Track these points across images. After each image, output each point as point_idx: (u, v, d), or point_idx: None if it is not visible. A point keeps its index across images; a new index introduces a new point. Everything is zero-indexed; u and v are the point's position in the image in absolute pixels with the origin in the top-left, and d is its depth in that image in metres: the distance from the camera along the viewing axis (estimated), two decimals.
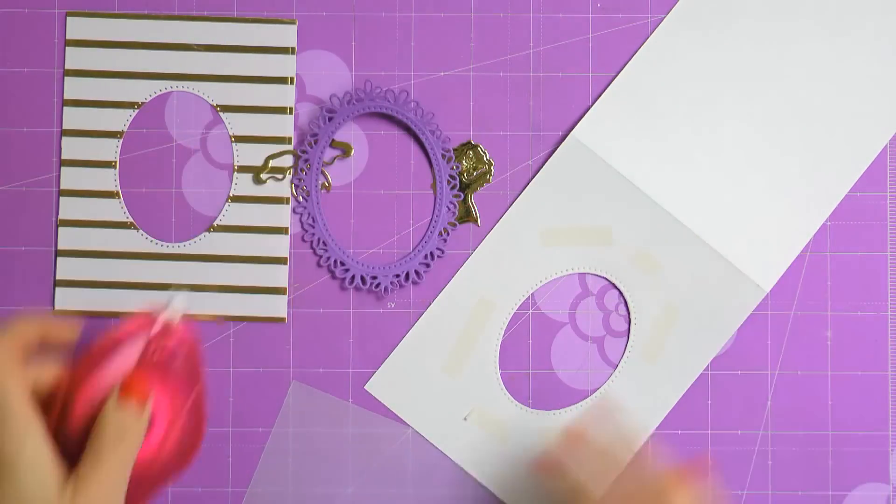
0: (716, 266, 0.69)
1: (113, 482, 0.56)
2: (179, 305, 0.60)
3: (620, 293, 0.70)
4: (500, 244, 0.70)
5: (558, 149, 0.70)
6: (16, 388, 0.55)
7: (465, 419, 0.69)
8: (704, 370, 0.70)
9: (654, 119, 0.70)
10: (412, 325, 0.70)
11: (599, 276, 0.70)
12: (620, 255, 0.70)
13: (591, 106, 0.70)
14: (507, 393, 0.69)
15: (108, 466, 0.55)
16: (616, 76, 0.70)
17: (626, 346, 0.70)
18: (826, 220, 0.70)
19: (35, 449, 0.54)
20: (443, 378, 0.69)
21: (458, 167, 0.70)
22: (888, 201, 0.70)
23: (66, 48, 0.70)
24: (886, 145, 0.70)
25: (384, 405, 0.70)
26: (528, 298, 0.70)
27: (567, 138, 0.70)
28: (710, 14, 0.70)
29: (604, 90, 0.70)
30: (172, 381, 0.59)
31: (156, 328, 0.59)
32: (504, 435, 0.69)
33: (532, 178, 0.70)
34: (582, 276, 0.70)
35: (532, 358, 0.70)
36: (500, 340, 0.70)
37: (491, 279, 0.70)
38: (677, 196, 0.69)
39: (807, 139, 0.69)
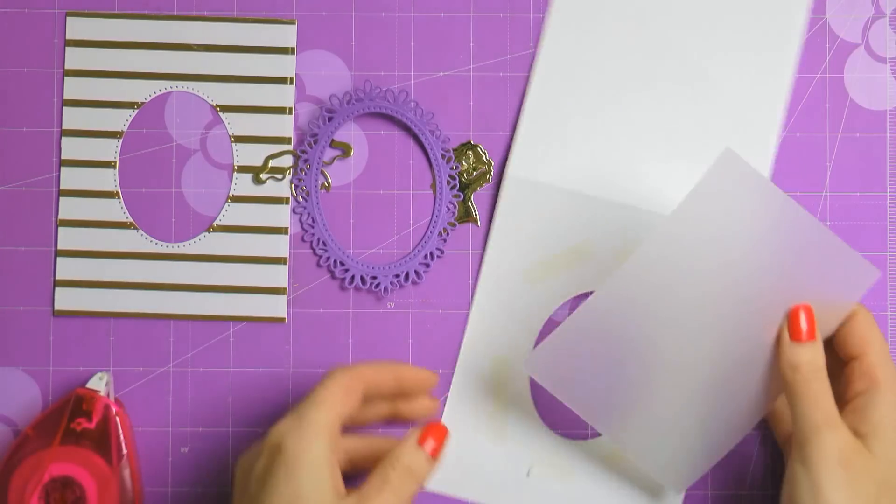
0: None
1: None
2: (99, 383, 0.67)
3: None
4: (491, 298, 0.69)
5: (500, 191, 0.69)
6: (327, 414, 0.60)
7: (528, 475, 0.69)
8: None
9: (577, 123, 0.69)
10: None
11: (586, 295, 0.69)
12: (605, 265, 0.69)
13: (512, 139, 0.70)
14: (556, 434, 0.69)
15: (393, 496, 0.60)
16: (524, 97, 0.70)
17: None
18: (826, 220, 0.70)
19: (320, 452, 0.59)
20: (491, 447, 0.69)
21: (457, 167, 0.70)
22: (888, 201, 0.70)
23: (66, 48, 0.70)
24: (887, 145, 0.70)
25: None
26: (537, 337, 0.69)
27: (504, 180, 0.69)
28: (588, 13, 0.70)
29: (516, 120, 0.70)
30: (99, 452, 0.66)
31: (72, 402, 0.66)
32: (571, 472, 0.69)
33: (490, 228, 0.69)
34: (576, 299, 0.69)
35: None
36: (529, 383, 0.69)
37: (496, 335, 0.69)
38: (632, 187, 0.69)
39: (720, 95, 0.69)
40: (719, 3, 0.70)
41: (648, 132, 0.69)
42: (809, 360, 0.61)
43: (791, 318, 0.62)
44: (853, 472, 0.59)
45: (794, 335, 0.62)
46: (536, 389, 0.69)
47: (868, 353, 0.63)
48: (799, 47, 0.70)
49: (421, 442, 0.62)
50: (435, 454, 0.62)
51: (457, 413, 0.69)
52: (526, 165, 0.69)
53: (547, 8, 0.70)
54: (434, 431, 0.62)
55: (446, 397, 0.69)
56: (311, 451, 0.59)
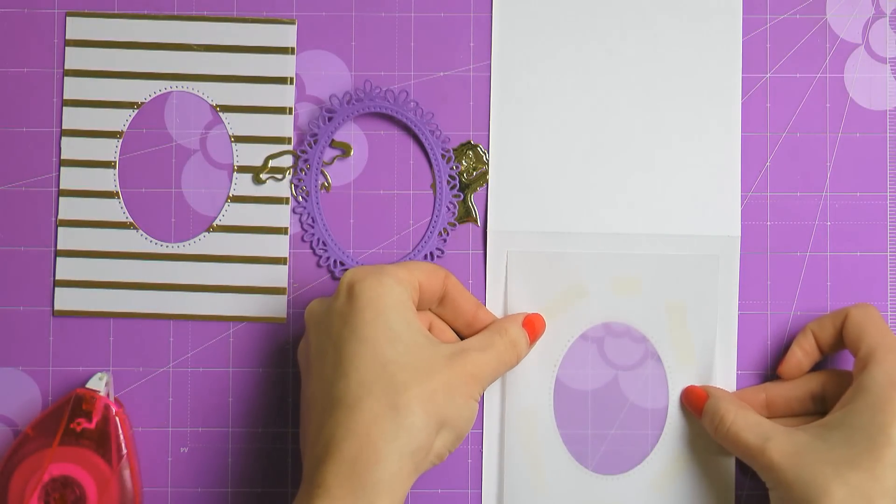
0: (685, 247, 0.69)
1: (488, 374, 0.62)
2: (99, 383, 0.67)
3: (630, 327, 0.69)
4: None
5: (487, 250, 0.69)
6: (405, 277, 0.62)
7: None
8: None
9: (542, 167, 0.69)
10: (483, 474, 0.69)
11: (596, 327, 0.69)
12: (602, 296, 0.69)
13: (487, 199, 0.70)
14: (593, 473, 0.69)
15: (496, 360, 0.63)
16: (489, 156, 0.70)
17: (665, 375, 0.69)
18: (826, 220, 0.70)
19: (401, 297, 0.61)
20: (541, 497, 0.69)
21: (457, 167, 0.70)
22: (888, 201, 0.70)
23: (66, 48, 0.70)
24: (887, 145, 0.71)
25: None
26: (555, 381, 0.69)
27: (488, 235, 0.69)
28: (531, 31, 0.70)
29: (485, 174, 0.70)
30: (99, 452, 0.66)
31: (72, 402, 0.66)
32: None
33: (485, 287, 0.70)
34: (584, 337, 0.69)
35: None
36: (556, 425, 0.69)
37: (511, 398, 0.69)
38: (611, 213, 0.69)
39: (677, 101, 0.70)
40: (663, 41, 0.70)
41: (619, 151, 0.70)
42: (712, 417, 0.65)
43: (687, 406, 0.68)
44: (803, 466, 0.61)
45: (696, 415, 0.67)
46: (564, 431, 0.69)
47: (860, 349, 0.64)
48: (740, 45, 0.70)
49: (524, 325, 0.65)
50: (532, 340, 0.66)
51: (493, 476, 0.69)
52: (504, 219, 0.69)
53: (490, 61, 0.70)
54: (535, 320, 0.66)
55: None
56: (392, 294, 0.60)
